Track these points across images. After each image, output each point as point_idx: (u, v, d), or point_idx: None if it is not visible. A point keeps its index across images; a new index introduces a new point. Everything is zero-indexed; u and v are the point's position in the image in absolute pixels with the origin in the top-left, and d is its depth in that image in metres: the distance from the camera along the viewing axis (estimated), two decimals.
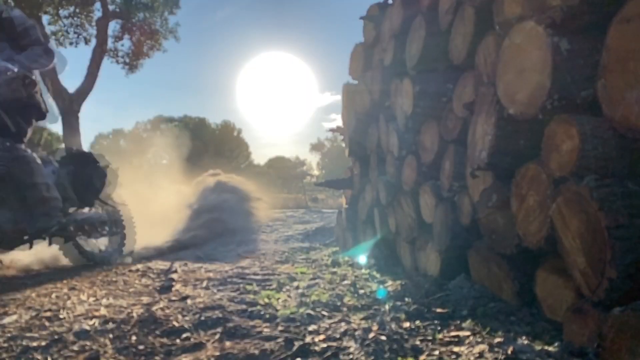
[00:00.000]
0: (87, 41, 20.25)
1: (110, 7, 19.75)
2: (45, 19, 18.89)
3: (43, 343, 3.25)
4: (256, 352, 2.79)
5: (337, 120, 27.55)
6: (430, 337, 2.88)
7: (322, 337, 2.99)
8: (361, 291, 4.43)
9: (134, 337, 3.26)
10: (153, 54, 21.09)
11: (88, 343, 3.21)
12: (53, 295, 4.79)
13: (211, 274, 5.95)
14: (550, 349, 2.48)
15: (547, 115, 2.76)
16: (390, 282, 4.80)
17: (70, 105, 18.64)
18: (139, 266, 6.04)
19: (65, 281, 5.44)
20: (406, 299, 3.90)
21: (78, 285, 5.28)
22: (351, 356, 2.65)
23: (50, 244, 5.87)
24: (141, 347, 3.06)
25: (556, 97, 2.69)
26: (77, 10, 19.59)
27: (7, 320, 3.89)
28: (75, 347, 3.12)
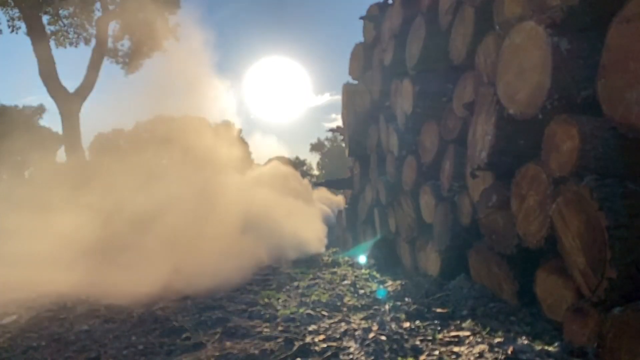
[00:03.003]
0: (87, 41, 20.25)
1: (110, 7, 19.74)
2: (45, 19, 18.88)
3: (43, 343, 3.25)
4: (256, 352, 2.79)
5: (337, 120, 27.55)
6: (430, 337, 2.88)
7: (322, 337, 2.99)
8: (361, 291, 4.43)
9: (133, 337, 3.26)
10: (153, 54, 21.08)
11: (88, 343, 3.21)
12: (53, 296, 4.79)
13: None
14: (550, 349, 2.49)
15: (547, 115, 2.76)
16: (390, 282, 4.80)
17: (70, 105, 18.60)
18: None
19: (65, 281, 5.43)
20: (406, 299, 3.90)
21: (79, 286, 5.27)
22: (351, 356, 2.65)
23: None
24: (141, 347, 3.07)
25: (556, 97, 2.69)
26: (77, 10, 19.57)
27: (7, 320, 3.90)
28: (75, 347, 3.12)
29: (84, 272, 5.35)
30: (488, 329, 2.93)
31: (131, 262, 5.31)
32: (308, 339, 2.93)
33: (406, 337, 2.87)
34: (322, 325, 3.27)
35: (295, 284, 4.95)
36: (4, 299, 4.60)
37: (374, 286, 4.66)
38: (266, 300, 4.17)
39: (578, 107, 2.66)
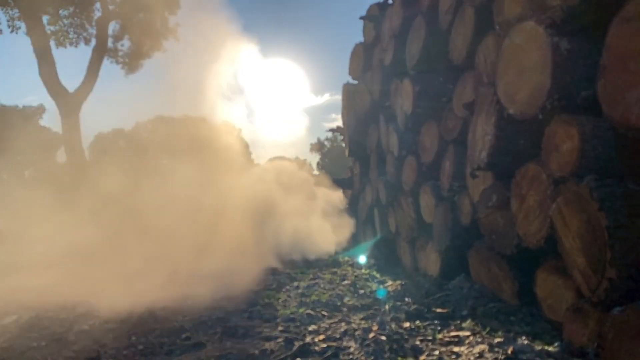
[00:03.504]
0: (87, 41, 20.23)
1: (110, 7, 19.73)
2: (45, 19, 18.87)
3: (43, 343, 3.25)
4: (256, 352, 2.79)
5: (337, 120, 27.52)
6: (430, 337, 2.88)
7: (322, 337, 2.99)
8: (361, 291, 4.43)
9: (133, 337, 3.26)
10: (153, 54, 21.05)
11: (88, 343, 3.21)
12: (53, 296, 4.79)
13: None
14: (550, 349, 2.49)
15: (547, 115, 2.76)
16: (390, 282, 4.80)
17: (70, 105, 18.60)
18: None
19: (65, 280, 5.43)
20: (406, 299, 3.90)
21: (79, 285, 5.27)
22: (351, 356, 2.65)
23: None
24: (141, 347, 3.07)
25: (556, 97, 2.69)
26: (77, 10, 19.56)
27: (7, 320, 3.90)
28: (75, 347, 3.12)
29: (84, 273, 5.34)
30: (488, 329, 2.93)
31: (132, 263, 5.31)
32: (308, 339, 2.93)
33: (406, 337, 2.87)
34: (322, 325, 3.28)
35: (295, 284, 4.95)
36: (4, 299, 4.60)
37: (374, 286, 4.66)
38: (266, 300, 4.17)
39: (578, 107, 2.66)
